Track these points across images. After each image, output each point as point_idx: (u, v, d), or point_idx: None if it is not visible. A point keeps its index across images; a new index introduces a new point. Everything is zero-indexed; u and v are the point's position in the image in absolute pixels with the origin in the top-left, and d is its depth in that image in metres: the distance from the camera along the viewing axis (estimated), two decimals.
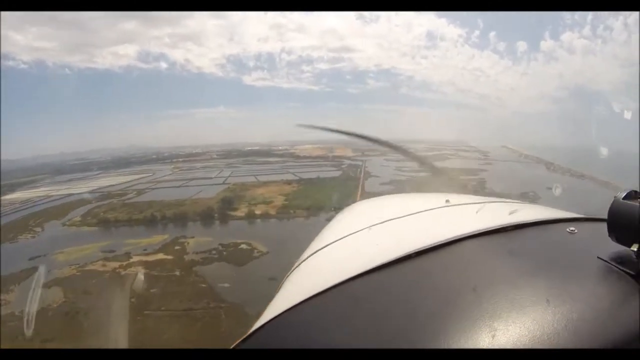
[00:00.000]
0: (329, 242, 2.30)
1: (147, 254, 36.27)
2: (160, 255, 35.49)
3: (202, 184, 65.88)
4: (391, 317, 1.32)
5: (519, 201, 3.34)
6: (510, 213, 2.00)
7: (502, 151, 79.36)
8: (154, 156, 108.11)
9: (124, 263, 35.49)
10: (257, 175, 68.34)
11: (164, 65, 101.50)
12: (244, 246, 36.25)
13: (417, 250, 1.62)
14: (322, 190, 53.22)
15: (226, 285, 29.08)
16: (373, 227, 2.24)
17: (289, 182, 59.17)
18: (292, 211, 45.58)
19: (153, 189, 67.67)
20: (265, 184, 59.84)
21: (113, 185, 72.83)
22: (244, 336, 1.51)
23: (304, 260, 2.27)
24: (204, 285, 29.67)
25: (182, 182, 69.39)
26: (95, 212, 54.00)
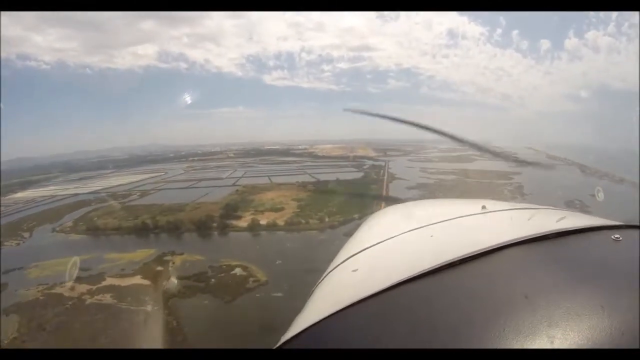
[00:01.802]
0: (362, 248, 2.14)
1: (123, 276, 28.02)
2: (137, 279, 27.13)
3: (211, 185, 58.29)
4: (440, 325, 1.25)
5: (555, 207, 2.92)
6: (557, 220, 1.94)
7: (529, 152, 68.35)
8: (172, 154, 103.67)
9: (94, 287, 27.34)
10: (272, 175, 60.02)
11: (183, 65, 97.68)
12: (238, 270, 26.99)
13: (461, 258, 1.55)
14: (341, 195, 44.09)
15: (198, 334, 19.91)
16: (408, 233, 2.13)
17: (304, 185, 50.11)
18: (303, 222, 36.17)
19: (160, 189, 60.51)
20: (279, 186, 51.09)
21: (122, 184, 66.51)
22: (275, 346, 1.39)
23: (337, 266, 2.10)
24: (168, 334, 20.59)
25: (191, 183, 62.02)
26: (90, 216, 47.05)
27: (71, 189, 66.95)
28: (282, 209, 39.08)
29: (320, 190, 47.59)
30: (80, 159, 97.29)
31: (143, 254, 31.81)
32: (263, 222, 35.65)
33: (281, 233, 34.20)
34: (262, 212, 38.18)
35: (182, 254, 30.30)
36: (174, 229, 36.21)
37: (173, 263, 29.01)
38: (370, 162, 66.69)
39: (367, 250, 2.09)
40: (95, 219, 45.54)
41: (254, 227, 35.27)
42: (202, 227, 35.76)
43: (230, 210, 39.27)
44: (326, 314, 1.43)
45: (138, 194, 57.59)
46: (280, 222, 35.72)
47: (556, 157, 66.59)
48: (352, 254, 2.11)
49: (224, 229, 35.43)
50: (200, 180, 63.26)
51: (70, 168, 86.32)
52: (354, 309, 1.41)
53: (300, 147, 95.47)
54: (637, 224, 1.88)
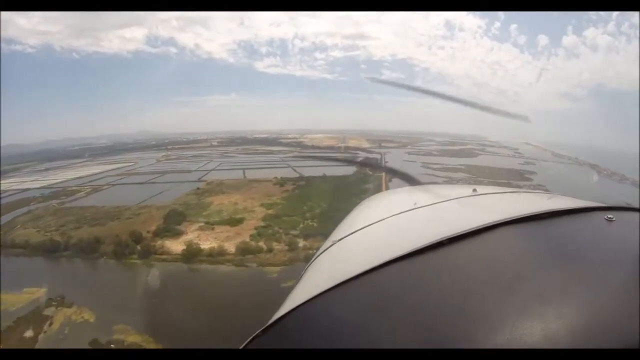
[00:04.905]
0: (353, 230, 2.01)
1: None
2: None
3: (173, 180, 46.38)
4: (431, 302, 1.18)
5: (546, 191, 2.79)
6: (549, 199, 1.91)
7: (529, 148, 67.75)
8: (153, 142, 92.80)
9: None
10: (249, 168, 48.07)
11: (173, 49, 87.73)
12: None
13: (449, 237, 1.43)
14: (326, 198, 32.03)
15: None
16: (399, 215, 2.02)
17: (282, 183, 37.88)
18: (265, 248, 23.57)
19: (114, 184, 48.36)
20: (250, 184, 38.99)
21: (81, 177, 54.77)
22: (262, 328, 1.30)
23: (328, 248, 1.96)
24: None
25: (153, 176, 49.89)
26: (14, 222, 35.75)
27: (28, 182, 55.66)
28: (241, 220, 26.85)
29: (301, 191, 35.48)
30: (61, 147, 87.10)
31: (26, 298, 20.16)
32: (205, 246, 23.31)
33: (226, 270, 21.49)
34: (212, 226, 25.94)
35: (71, 305, 18.32)
36: (89, 251, 24.21)
37: (50, 325, 17.16)
38: (364, 154, 54.42)
39: (358, 232, 1.92)
40: (17, 226, 34.01)
41: (191, 256, 23.01)
42: (125, 251, 23.55)
43: (173, 221, 27.10)
44: (317, 292, 1.32)
45: (88, 190, 45.43)
46: (230, 248, 23.24)
47: (563, 156, 61.94)
48: (342, 236, 1.94)
49: (151, 254, 23.08)
50: (165, 172, 51.32)
51: (45, 157, 76.06)
52: (344, 287, 1.30)
53: (289, 136, 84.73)
54: (630, 206, 1.76)
